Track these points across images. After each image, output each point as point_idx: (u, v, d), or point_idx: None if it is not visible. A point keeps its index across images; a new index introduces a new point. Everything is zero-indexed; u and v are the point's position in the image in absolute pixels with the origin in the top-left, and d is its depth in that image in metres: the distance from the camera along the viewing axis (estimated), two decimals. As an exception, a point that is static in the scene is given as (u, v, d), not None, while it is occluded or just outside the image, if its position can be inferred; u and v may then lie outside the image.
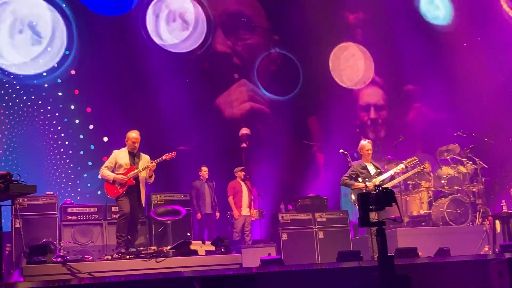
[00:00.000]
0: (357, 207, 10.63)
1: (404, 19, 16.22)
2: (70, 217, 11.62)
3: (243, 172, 13.40)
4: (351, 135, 15.18)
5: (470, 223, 12.55)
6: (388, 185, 10.95)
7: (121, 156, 10.12)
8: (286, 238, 12.31)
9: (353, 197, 10.63)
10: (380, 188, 6.75)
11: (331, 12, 16.09)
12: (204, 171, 13.21)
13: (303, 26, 15.58)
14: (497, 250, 10.69)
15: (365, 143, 10.95)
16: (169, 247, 9.97)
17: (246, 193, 13.19)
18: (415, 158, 11.18)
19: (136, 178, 10.00)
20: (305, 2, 15.75)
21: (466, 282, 8.34)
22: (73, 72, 14.02)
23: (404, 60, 16.11)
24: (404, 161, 11.08)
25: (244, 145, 14.67)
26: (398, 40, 16.10)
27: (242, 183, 13.29)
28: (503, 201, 12.13)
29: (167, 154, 10.21)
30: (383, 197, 6.67)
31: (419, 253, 9.61)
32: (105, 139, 13.74)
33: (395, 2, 16.43)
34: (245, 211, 13.10)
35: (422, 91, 16.36)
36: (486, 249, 11.45)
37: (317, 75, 15.99)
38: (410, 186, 13.03)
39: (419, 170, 11.42)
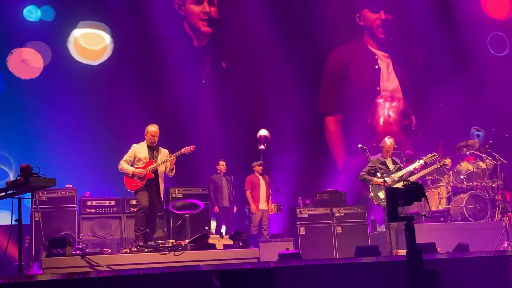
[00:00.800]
0: (375, 203, 10.66)
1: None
2: (89, 210, 11.70)
3: (261, 167, 13.39)
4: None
5: (489, 219, 12.47)
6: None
7: (140, 150, 10.18)
8: (304, 233, 12.30)
9: (371, 193, 10.60)
10: (409, 183, 6.74)
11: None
12: (222, 165, 13.22)
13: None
14: (516, 246, 10.64)
15: (388, 142, 10.92)
16: (187, 240, 10.01)
17: (264, 187, 13.19)
18: (435, 154, 11.13)
19: (155, 171, 10.06)
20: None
21: (485, 278, 8.29)
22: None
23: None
24: (424, 157, 11.03)
25: (262, 147, 14.53)
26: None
27: (260, 177, 13.29)
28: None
29: (186, 147, 10.25)
30: (412, 192, 6.66)
31: (438, 249, 9.57)
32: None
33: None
34: (262, 205, 13.10)
35: (444, 88, 16.22)
36: (505, 245, 11.37)
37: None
38: (429, 181, 12.97)
39: (439, 166, 11.36)
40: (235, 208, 13.23)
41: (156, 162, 10.08)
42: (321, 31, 15.66)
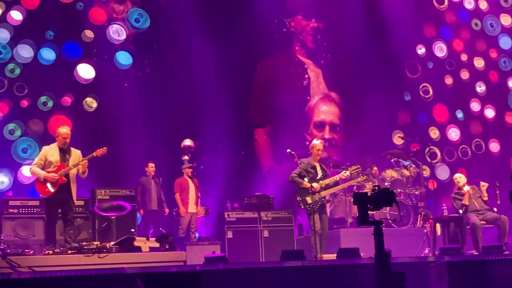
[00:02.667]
0: (302, 207, 10.79)
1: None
2: (11, 210, 11.39)
3: (190, 169, 13.37)
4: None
5: (412, 226, 12.80)
6: (333, 189, 11.13)
7: (51, 153, 9.94)
8: (232, 236, 12.33)
9: (299, 197, 10.71)
10: (380, 188, 6.85)
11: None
12: (151, 167, 13.13)
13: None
14: (437, 252, 10.93)
15: (317, 143, 11.06)
16: (112, 243, 9.88)
17: (193, 190, 13.16)
18: (358, 166, 11.37)
19: (67, 175, 9.86)
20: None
21: (406, 283, 8.48)
22: None
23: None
24: (349, 168, 11.24)
25: (186, 157, 14.24)
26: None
27: (190, 180, 13.26)
28: (444, 205, 12.41)
29: (98, 150, 10.10)
30: (383, 197, 6.78)
31: (361, 254, 9.75)
32: None
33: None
34: (191, 208, 13.07)
35: (373, 96, 16.53)
36: (426, 251, 11.69)
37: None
38: (355, 187, 13.20)
39: (362, 179, 11.57)
40: (166, 210, 13.16)
41: (68, 165, 9.86)
42: (251, 41, 15.66)
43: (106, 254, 9.13)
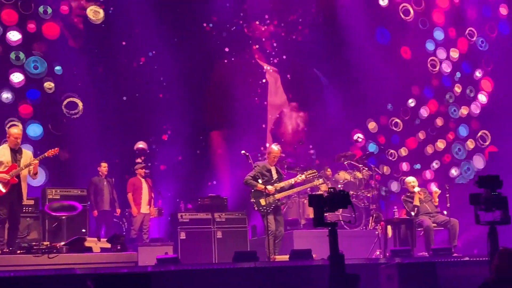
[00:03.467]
0: (256, 209, 10.82)
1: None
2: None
3: (144, 169, 13.27)
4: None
5: (364, 228, 12.94)
6: (287, 192, 11.18)
7: (2, 153, 9.77)
8: (184, 237, 12.26)
9: (253, 199, 10.72)
10: (335, 190, 6.90)
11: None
12: (104, 167, 12.99)
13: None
14: (387, 254, 11.07)
15: (275, 149, 11.09)
16: (62, 243, 9.74)
17: (146, 191, 13.07)
18: (314, 171, 11.47)
19: (18, 175, 9.70)
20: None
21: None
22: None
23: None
24: (305, 172, 11.33)
25: (139, 160, 14.00)
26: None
27: (143, 180, 13.16)
28: (395, 207, 12.59)
29: (50, 150, 10.01)
30: (338, 199, 6.82)
31: (314, 255, 9.81)
32: None
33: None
34: (144, 208, 12.97)
35: (328, 99, 16.66)
36: (377, 253, 11.83)
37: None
38: (308, 189, 13.27)
39: (317, 184, 11.67)
40: (118, 211, 13.03)
41: (19, 165, 9.70)
42: (208, 43, 15.63)
43: (56, 254, 9.00)
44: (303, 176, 11.18)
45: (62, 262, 8.85)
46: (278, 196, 10.78)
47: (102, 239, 10.31)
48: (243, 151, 11.10)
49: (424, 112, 16.87)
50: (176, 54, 15.01)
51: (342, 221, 11.94)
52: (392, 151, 16.28)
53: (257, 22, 16.33)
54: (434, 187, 11.98)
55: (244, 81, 15.97)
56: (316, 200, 6.87)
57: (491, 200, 7.02)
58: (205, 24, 15.67)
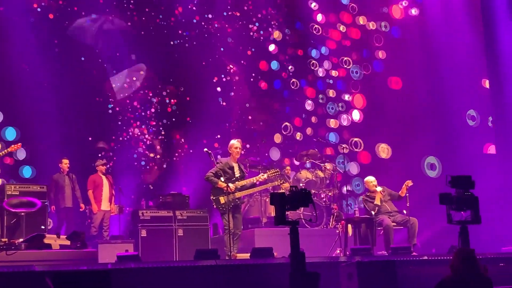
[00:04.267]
0: (215, 207, 10.82)
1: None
2: None
3: (104, 166, 13.17)
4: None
5: (324, 226, 13.04)
6: (248, 191, 11.20)
7: None
8: (145, 235, 12.19)
9: (213, 197, 10.72)
10: (297, 188, 6.93)
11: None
12: (65, 163, 12.87)
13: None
14: (347, 253, 11.17)
15: (235, 142, 11.10)
16: (21, 239, 9.62)
17: (107, 188, 12.97)
18: (277, 170, 11.51)
19: None
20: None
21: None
22: None
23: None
24: (268, 171, 11.36)
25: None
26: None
27: (104, 177, 13.06)
28: (356, 206, 12.71)
29: (13, 146, 9.91)
30: (300, 198, 6.85)
31: (275, 253, 9.85)
32: None
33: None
34: (105, 205, 12.88)
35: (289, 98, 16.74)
36: (338, 251, 11.93)
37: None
38: (270, 187, 13.31)
39: (279, 183, 11.72)
40: (82, 206, 12.94)
41: None
42: (171, 38, 15.59)
43: (15, 251, 8.89)
44: (265, 175, 11.21)
45: (20, 259, 8.75)
46: (238, 194, 10.79)
47: (61, 236, 10.20)
48: (205, 149, 11.10)
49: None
50: (141, 52, 14.96)
51: (303, 220, 12.00)
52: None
53: (223, 18, 16.30)
54: (410, 182, 12.03)
55: (207, 77, 15.95)
56: (278, 198, 6.91)
57: (464, 200, 7.14)
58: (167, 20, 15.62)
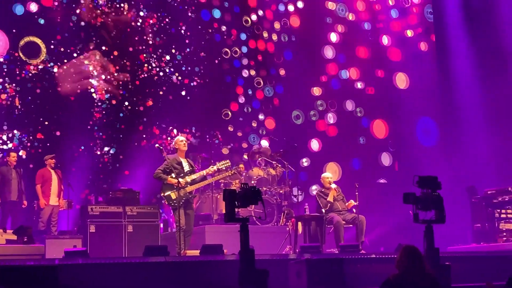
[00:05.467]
0: (166, 203, 10.77)
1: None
2: None
3: (53, 160, 12.97)
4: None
5: (275, 224, 13.10)
6: (199, 184, 11.18)
7: None
8: (94, 231, 12.04)
9: (163, 193, 10.67)
10: (247, 186, 6.93)
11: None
12: (13, 157, 12.67)
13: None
14: (297, 250, 11.24)
15: (180, 136, 11.09)
16: (-34, 234, 9.42)
17: (55, 182, 12.80)
18: (227, 161, 11.46)
19: None
20: None
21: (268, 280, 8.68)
22: None
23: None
24: (217, 163, 11.33)
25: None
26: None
27: (52, 171, 12.88)
28: (306, 204, 12.80)
29: None
30: (250, 195, 6.85)
31: (225, 251, 9.86)
32: None
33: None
34: (53, 200, 12.72)
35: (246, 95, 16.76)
36: (287, 249, 12.00)
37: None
38: (222, 184, 13.34)
39: (231, 174, 11.71)
40: (25, 202, 12.71)
41: None
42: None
43: (-42, 246, 8.70)
44: (215, 167, 11.17)
45: (-36, 254, 8.55)
46: (189, 189, 10.76)
47: (8, 231, 10.02)
48: (157, 145, 11.06)
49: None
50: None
51: (253, 217, 12.07)
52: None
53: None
54: (353, 202, 12.21)
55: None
56: (228, 195, 6.92)
57: (429, 200, 7.29)
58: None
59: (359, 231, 11.86)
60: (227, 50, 16.58)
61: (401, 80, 18.18)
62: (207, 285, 8.43)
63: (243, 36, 16.83)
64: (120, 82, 15.42)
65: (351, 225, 12.16)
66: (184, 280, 8.46)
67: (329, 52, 17.68)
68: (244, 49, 16.82)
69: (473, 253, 11.21)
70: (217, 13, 16.64)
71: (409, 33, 18.31)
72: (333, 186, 12.22)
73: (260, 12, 17.01)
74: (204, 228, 12.23)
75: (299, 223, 12.15)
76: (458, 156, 16.44)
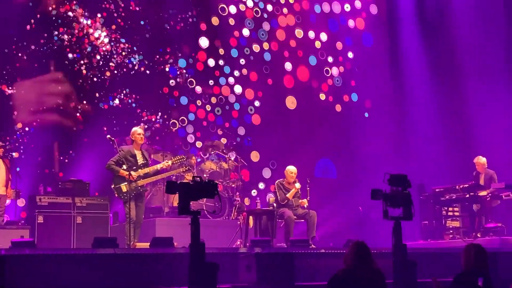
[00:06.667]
0: (116, 195, 10.68)
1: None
2: None
3: (2, 149, 12.70)
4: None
5: (226, 217, 13.12)
6: (152, 179, 11.11)
7: None
8: (42, 221, 11.88)
9: (114, 185, 10.58)
10: (201, 179, 6.90)
11: None
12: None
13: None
14: (248, 244, 11.28)
15: (137, 129, 11.00)
16: None
17: (3, 171, 12.51)
18: (182, 156, 11.46)
19: None
20: None
21: (218, 274, 8.68)
22: None
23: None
24: (172, 158, 11.30)
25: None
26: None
27: (0, 160, 12.61)
28: (258, 198, 12.87)
29: None
30: (206, 189, 6.83)
31: (175, 243, 9.83)
32: None
33: None
34: (0, 190, 12.44)
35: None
36: (238, 242, 12.04)
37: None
38: (173, 177, 13.26)
39: (185, 169, 11.68)
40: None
41: None
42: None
43: None
44: (169, 162, 11.14)
45: None
46: (141, 182, 10.69)
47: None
48: (108, 136, 10.94)
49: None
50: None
51: (206, 211, 12.05)
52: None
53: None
54: (306, 202, 12.29)
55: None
56: (182, 188, 6.89)
57: (399, 198, 7.46)
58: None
59: (310, 226, 11.96)
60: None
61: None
62: (157, 277, 8.40)
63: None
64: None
65: (302, 220, 12.25)
66: (133, 272, 8.41)
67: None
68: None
69: (420, 250, 11.41)
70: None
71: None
72: (297, 185, 12.22)
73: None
74: (155, 221, 12.17)
75: (250, 217, 12.19)
76: (410, 154, 16.72)
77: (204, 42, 16.21)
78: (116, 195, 10.65)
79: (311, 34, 17.61)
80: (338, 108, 17.69)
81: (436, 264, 8.04)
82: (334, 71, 17.82)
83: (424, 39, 17.95)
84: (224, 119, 16.17)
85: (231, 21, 16.71)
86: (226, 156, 13.97)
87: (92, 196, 12.66)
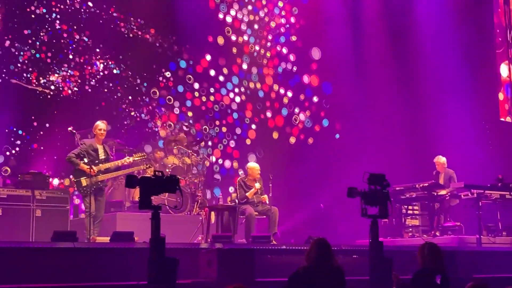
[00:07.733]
0: (76, 189, 10.58)
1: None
2: None
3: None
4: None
5: (188, 213, 13.09)
6: (112, 174, 11.05)
7: None
8: (1, 214, 11.68)
9: (74, 179, 10.49)
10: (163, 174, 6.88)
11: None
12: None
13: None
14: (209, 240, 11.28)
15: (99, 123, 10.92)
16: None
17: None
18: (144, 154, 11.42)
19: None
20: None
21: (178, 269, 8.66)
22: None
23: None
24: (134, 155, 11.26)
25: None
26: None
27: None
28: (220, 194, 12.87)
29: None
30: (167, 183, 6.80)
31: (135, 238, 9.78)
32: None
33: None
34: (-42, 182, 12.24)
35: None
36: (200, 238, 12.02)
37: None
38: (135, 171, 13.18)
39: (145, 167, 11.64)
40: None
41: None
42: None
43: None
44: (131, 159, 11.09)
45: None
46: (101, 177, 10.61)
47: None
48: (70, 128, 10.84)
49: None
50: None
51: (167, 206, 11.98)
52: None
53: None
54: (266, 198, 12.32)
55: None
56: (143, 182, 6.86)
57: (376, 196, 7.56)
58: None
59: (272, 222, 12.02)
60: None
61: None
62: (116, 272, 8.34)
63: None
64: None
65: (264, 216, 12.29)
66: (93, 266, 8.34)
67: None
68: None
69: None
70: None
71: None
72: (257, 185, 12.24)
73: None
74: (116, 215, 12.08)
75: (212, 213, 12.18)
76: (371, 152, 16.87)
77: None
78: (76, 189, 10.56)
79: (282, 91, 17.76)
80: (310, 140, 17.82)
81: (395, 261, 8.12)
82: (302, 117, 17.86)
83: (386, 48, 18.19)
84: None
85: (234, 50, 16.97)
86: (189, 151, 13.93)
87: (52, 189, 12.50)
